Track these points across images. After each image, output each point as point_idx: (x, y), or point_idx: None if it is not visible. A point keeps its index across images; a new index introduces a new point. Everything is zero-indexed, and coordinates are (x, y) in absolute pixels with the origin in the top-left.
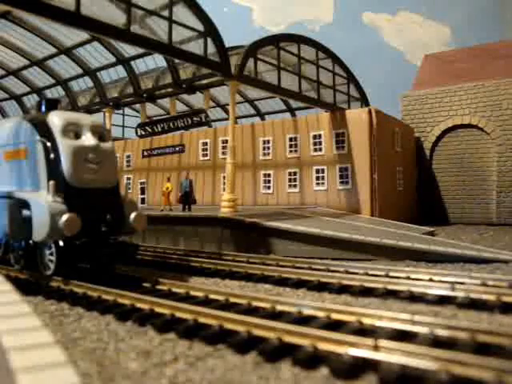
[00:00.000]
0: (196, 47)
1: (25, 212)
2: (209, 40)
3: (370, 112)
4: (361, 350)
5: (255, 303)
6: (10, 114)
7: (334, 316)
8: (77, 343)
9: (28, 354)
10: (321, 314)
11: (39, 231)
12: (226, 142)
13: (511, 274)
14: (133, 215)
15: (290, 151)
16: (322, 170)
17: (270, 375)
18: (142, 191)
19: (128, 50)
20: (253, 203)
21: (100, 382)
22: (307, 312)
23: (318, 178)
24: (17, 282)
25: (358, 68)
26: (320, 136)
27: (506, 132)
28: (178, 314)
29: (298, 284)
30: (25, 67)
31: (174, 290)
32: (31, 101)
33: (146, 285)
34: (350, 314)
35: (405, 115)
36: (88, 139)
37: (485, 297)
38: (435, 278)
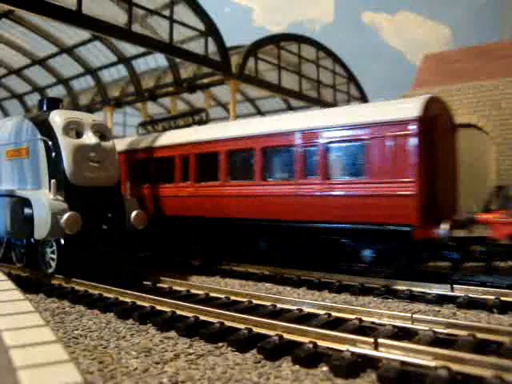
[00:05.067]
0: (197, 46)
1: (26, 210)
2: (210, 39)
3: None
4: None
5: (256, 301)
6: (11, 113)
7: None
8: (78, 341)
9: (30, 351)
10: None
11: (40, 230)
12: None
13: None
14: (134, 213)
15: None
16: None
17: (271, 373)
18: None
19: (129, 49)
20: None
21: (101, 379)
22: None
23: None
24: (18, 279)
25: (357, 68)
26: None
27: (505, 131)
28: (179, 312)
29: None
30: (26, 66)
31: (175, 288)
32: (33, 100)
33: (147, 283)
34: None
35: None
36: (89, 138)
37: None
38: None
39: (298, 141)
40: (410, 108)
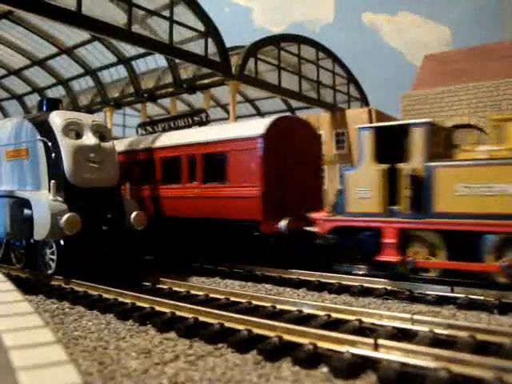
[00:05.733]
0: (197, 47)
1: (26, 211)
2: (209, 40)
3: (369, 112)
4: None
5: (255, 302)
6: (11, 114)
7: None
8: (78, 342)
9: (29, 352)
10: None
11: (40, 230)
12: None
13: None
14: (133, 214)
15: None
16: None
17: (271, 374)
18: None
19: (129, 49)
20: None
21: (101, 380)
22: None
23: None
24: (18, 280)
25: (357, 68)
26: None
27: None
28: (179, 313)
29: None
30: (26, 67)
31: (175, 288)
32: (32, 100)
33: (146, 283)
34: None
35: (405, 115)
36: (89, 139)
37: None
38: None
39: (183, 152)
40: (257, 127)
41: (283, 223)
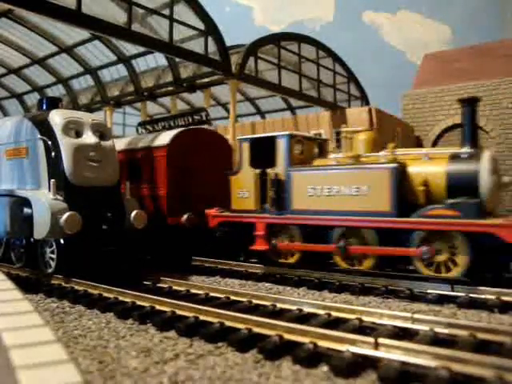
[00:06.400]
0: (197, 46)
1: (26, 210)
2: (210, 39)
3: (370, 111)
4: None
5: (256, 301)
6: (11, 113)
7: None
8: (78, 341)
9: (29, 351)
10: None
11: (40, 229)
12: None
13: None
14: (133, 213)
15: None
16: None
17: (271, 373)
18: None
19: (129, 48)
20: None
21: (101, 379)
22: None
23: None
24: (18, 279)
25: (358, 67)
26: (320, 135)
27: (506, 131)
28: (179, 312)
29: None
30: (26, 66)
31: (175, 287)
32: (32, 99)
33: (146, 283)
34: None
35: (405, 114)
36: (89, 137)
37: None
38: None
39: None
40: (165, 138)
41: (184, 217)
